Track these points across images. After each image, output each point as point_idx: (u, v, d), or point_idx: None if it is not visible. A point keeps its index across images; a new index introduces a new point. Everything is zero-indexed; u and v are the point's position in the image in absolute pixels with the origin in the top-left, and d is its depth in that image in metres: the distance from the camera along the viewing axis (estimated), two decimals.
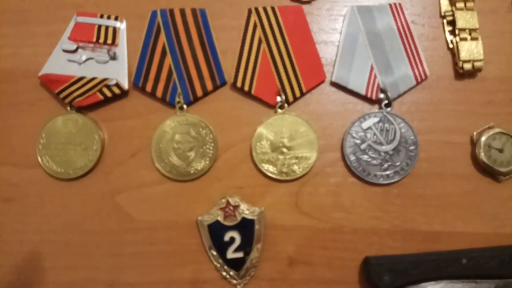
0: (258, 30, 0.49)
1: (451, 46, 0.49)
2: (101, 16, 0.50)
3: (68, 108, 0.49)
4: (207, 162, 0.48)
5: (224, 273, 0.46)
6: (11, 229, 0.48)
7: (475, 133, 0.47)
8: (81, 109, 0.49)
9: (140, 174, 0.48)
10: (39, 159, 0.48)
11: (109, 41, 0.49)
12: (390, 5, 0.49)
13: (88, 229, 0.48)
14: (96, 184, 0.48)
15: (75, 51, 0.49)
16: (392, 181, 0.46)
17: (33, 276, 0.47)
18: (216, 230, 0.46)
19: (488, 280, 0.43)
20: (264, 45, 0.48)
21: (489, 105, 0.48)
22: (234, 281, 0.46)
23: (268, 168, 0.47)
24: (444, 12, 0.49)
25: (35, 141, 0.48)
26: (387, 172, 0.46)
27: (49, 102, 0.50)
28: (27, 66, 0.50)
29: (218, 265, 0.46)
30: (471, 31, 0.48)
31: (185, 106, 0.48)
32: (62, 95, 0.48)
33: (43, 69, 0.49)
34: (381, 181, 0.46)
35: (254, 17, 0.49)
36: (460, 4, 0.49)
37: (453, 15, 0.49)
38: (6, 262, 0.48)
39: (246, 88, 0.48)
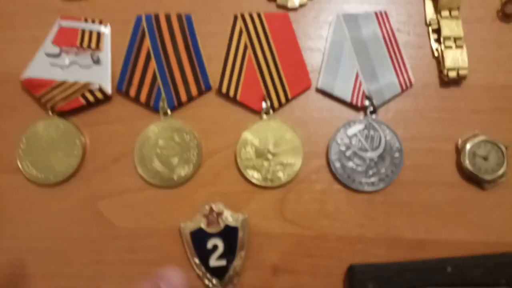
0: (244, 36, 0.48)
1: (436, 54, 0.49)
2: (86, 20, 0.50)
3: (50, 113, 0.48)
4: (190, 168, 0.47)
5: (206, 282, 0.45)
6: None
7: (460, 141, 0.47)
8: (63, 114, 0.48)
9: (122, 180, 0.47)
10: (19, 164, 0.47)
11: (93, 45, 0.49)
12: (376, 13, 0.49)
13: (68, 236, 0.46)
14: (77, 190, 0.47)
15: (58, 55, 0.49)
16: (377, 188, 0.46)
17: (10, 284, 0.46)
18: (199, 238, 0.45)
19: None
20: (249, 51, 0.48)
21: (474, 113, 0.48)
22: None
23: (253, 175, 0.47)
24: (429, 20, 0.49)
25: (15, 146, 0.47)
26: (372, 179, 0.46)
27: (31, 107, 0.49)
28: (9, 70, 0.49)
29: (201, 273, 0.45)
30: (456, 39, 0.48)
31: (169, 111, 0.48)
32: (43, 99, 0.47)
33: (25, 72, 0.48)
34: (366, 188, 0.46)
35: (240, 23, 0.49)
36: (445, 13, 0.49)
37: (438, 23, 0.49)
38: None
39: (231, 93, 0.48)
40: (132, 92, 0.48)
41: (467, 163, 0.46)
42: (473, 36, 0.49)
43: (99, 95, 0.48)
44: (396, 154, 0.46)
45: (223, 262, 0.45)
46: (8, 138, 0.48)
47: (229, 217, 0.45)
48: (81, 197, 0.47)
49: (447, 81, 0.48)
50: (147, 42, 0.48)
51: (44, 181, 0.47)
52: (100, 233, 0.46)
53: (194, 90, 0.48)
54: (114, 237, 0.46)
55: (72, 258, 0.46)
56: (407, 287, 0.43)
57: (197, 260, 0.45)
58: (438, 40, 0.49)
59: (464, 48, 0.48)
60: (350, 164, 0.46)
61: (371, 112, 0.47)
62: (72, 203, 0.47)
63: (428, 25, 0.50)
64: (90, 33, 0.49)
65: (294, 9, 0.50)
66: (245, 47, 0.48)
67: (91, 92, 0.48)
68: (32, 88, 0.48)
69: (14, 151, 0.47)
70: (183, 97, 0.48)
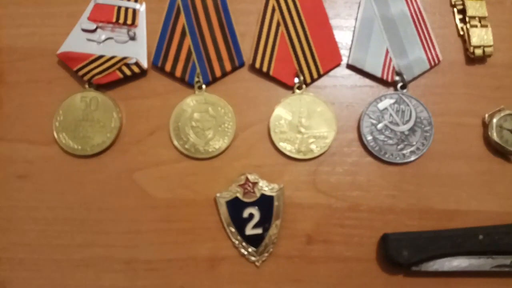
0: (277, 14, 0.50)
1: (461, 33, 0.50)
2: None
3: (87, 86, 0.49)
4: (225, 141, 0.48)
5: (242, 250, 0.46)
6: (25, 206, 0.47)
7: (486, 115, 0.48)
8: (99, 87, 0.49)
9: (158, 152, 0.48)
10: (56, 136, 0.48)
11: (129, 21, 0.50)
12: None
13: (104, 206, 0.47)
14: (114, 162, 0.48)
15: (94, 30, 0.50)
16: (408, 160, 0.47)
17: (47, 254, 0.46)
18: (235, 207, 0.46)
19: (504, 256, 0.44)
20: (282, 28, 0.50)
21: (499, 89, 0.50)
22: (253, 258, 0.45)
23: (286, 147, 0.48)
24: (454, 1, 0.51)
25: (52, 118, 0.48)
26: (403, 152, 0.47)
27: (67, 80, 0.50)
28: (45, 45, 0.50)
29: (237, 242, 0.46)
30: (480, 18, 0.50)
31: (203, 86, 0.49)
32: (81, 73, 0.48)
33: (62, 47, 0.49)
34: (397, 160, 0.47)
35: (272, 1, 0.50)
36: None
37: (463, 4, 0.51)
38: (19, 240, 0.47)
39: (265, 69, 0.49)
40: (168, 67, 0.49)
41: (494, 135, 0.47)
42: (495, 17, 0.51)
43: (135, 69, 0.49)
44: (427, 127, 0.48)
45: (259, 231, 0.45)
46: (45, 111, 0.49)
47: (265, 187, 0.46)
48: (118, 169, 0.48)
49: (472, 59, 0.50)
50: (182, 19, 0.50)
51: (81, 153, 0.48)
52: (136, 204, 0.47)
53: (228, 66, 0.49)
54: (149, 208, 0.47)
55: (108, 228, 0.47)
56: (440, 254, 0.44)
57: (233, 229, 0.46)
58: (463, 20, 0.51)
59: (489, 27, 0.50)
60: (382, 137, 0.48)
61: (401, 87, 0.49)
62: (109, 175, 0.48)
63: (453, 6, 0.51)
64: (126, 10, 0.50)
65: None
66: (278, 24, 0.50)
67: (128, 66, 0.49)
68: (68, 61, 0.49)
69: (51, 124, 0.48)
70: (217, 72, 0.49)
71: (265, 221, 0.46)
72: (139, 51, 0.49)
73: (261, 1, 0.50)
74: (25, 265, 0.46)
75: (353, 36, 0.50)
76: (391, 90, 0.49)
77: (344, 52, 0.50)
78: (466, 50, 0.50)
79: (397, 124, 0.48)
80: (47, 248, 0.47)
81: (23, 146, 0.48)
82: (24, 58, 0.50)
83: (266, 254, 0.46)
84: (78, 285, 0.46)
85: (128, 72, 0.49)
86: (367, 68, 0.49)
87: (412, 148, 0.47)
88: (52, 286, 0.46)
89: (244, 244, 0.45)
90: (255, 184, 0.46)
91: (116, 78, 0.49)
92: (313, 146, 0.48)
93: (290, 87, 0.49)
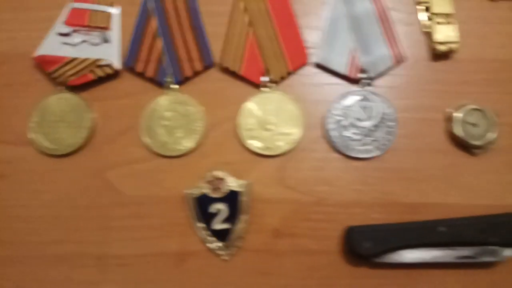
0: (246, 14, 0.51)
1: (426, 30, 0.52)
2: (96, 3, 0.52)
3: (62, 88, 0.50)
4: (195, 139, 0.49)
5: (210, 245, 0.47)
6: (1, 205, 0.49)
7: (450, 110, 0.49)
8: (74, 89, 0.51)
9: (130, 151, 0.49)
10: (31, 136, 0.49)
11: (102, 24, 0.51)
12: None
13: (77, 204, 0.48)
14: (87, 161, 0.49)
15: (69, 34, 0.51)
16: (373, 155, 0.48)
17: (21, 250, 0.48)
18: (203, 203, 0.47)
19: (466, 247, 0.45)
20: (251, 28, 0.51)
21: (464, 84, 0.50)
22: (221, 252, 0.47)
23: (254, 144, 0.49)
24: None
25: (27, 120, 0.50)
26: (368, 147, 0.48)
27: (43, 83, 0.51)
28: (22, 49, 0.52)
29: (205, 237, 0.47)
30: (446, 15, 0.51)
31: (175, 86, 0.50)
32: (55, 75, 0.50)
33: (37, 50, 0.50)
34: (362, 155, 0.48)
35: (242, 3, 0.51)
36: None
37: (428, 1, 0.52)
38: None
39: (234, 68, 0.50)
40: (140, 68, 0.50)
41: (457, 129, 0.48)
42: (462, 13, 0.52)
43: (108, 70, 0.50)
44: (391, 123, 0.49)
45: (226, 225, 0.46)
46: (21, 112, 0.50)
47: (233, 183, 0.47)
48: (91, 168, 0.49)
49: (438, 55, 0.51)
50: (154, 21, 0.51)
51: (56, 152, 0.49)
52: (108, 201, 0.48)
53: (198, 66, 0.51)
54: (121, 205, 0.48)
55: (81, 224, 0.48)
56: (402, 245, 0.45)
57: (201, 224, 0.47)
58: (429, 18, 0.52)
59: (454, 23, 0.51)
60: (347, 133, 0.49)
61: (367, 84, 0.50)
62: (82, 173, 0.49)
63: (418, 3, 0.52)
64: (99, 13, 0.52)
65: None
66: (247, 25, 0.51)
67: (101, 67, 0.50)
68: (44, 64, 0.50)
69: (26, 125, 0.50)
70: (188, 73, 0.51)
71: (233, 216, 0.47)
72: (112, 53, 0.51)
73: (230, 3, 0.52)
74: None
75: (320, 36, 0.51)
76: (357, 87, 0.50)
77: (312, 51, 0.51)
78: (431, 46, 0.51)
79: (361, 120, 0.49)
80: (20, 245, 0.48)
81: (0, 147, 0.50)
82: (2, 62, 0.52)
83: (234, 249, 0.47)
84: (52, 281, 0.47)
85: (101, 74, 0.50)
86: (333, 66, 0.50)
87: (377, 144, 0.48)
88: (26, 282, 0.47)
89: (212, 238, 0.47)
90: (223, 180, 0.47)
91: (89, 79, 0.50)
92: (280, 143, 0.49)
93: (259, 86, 0.51)
